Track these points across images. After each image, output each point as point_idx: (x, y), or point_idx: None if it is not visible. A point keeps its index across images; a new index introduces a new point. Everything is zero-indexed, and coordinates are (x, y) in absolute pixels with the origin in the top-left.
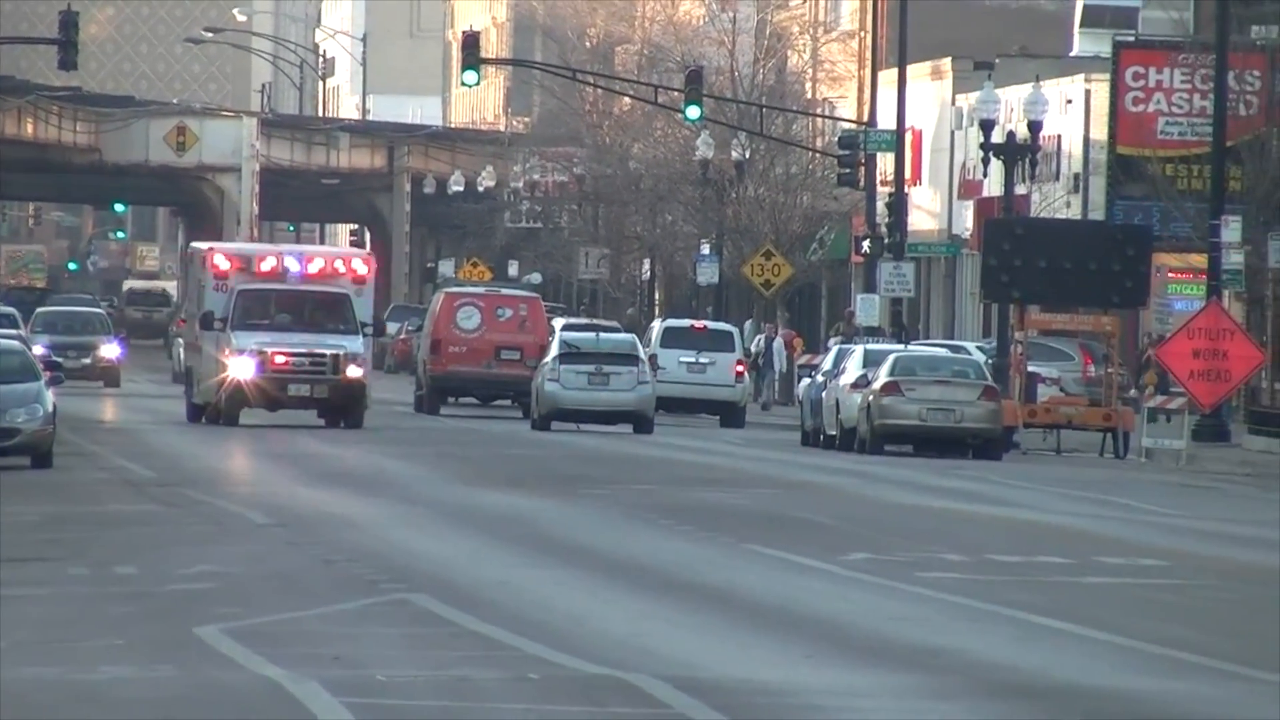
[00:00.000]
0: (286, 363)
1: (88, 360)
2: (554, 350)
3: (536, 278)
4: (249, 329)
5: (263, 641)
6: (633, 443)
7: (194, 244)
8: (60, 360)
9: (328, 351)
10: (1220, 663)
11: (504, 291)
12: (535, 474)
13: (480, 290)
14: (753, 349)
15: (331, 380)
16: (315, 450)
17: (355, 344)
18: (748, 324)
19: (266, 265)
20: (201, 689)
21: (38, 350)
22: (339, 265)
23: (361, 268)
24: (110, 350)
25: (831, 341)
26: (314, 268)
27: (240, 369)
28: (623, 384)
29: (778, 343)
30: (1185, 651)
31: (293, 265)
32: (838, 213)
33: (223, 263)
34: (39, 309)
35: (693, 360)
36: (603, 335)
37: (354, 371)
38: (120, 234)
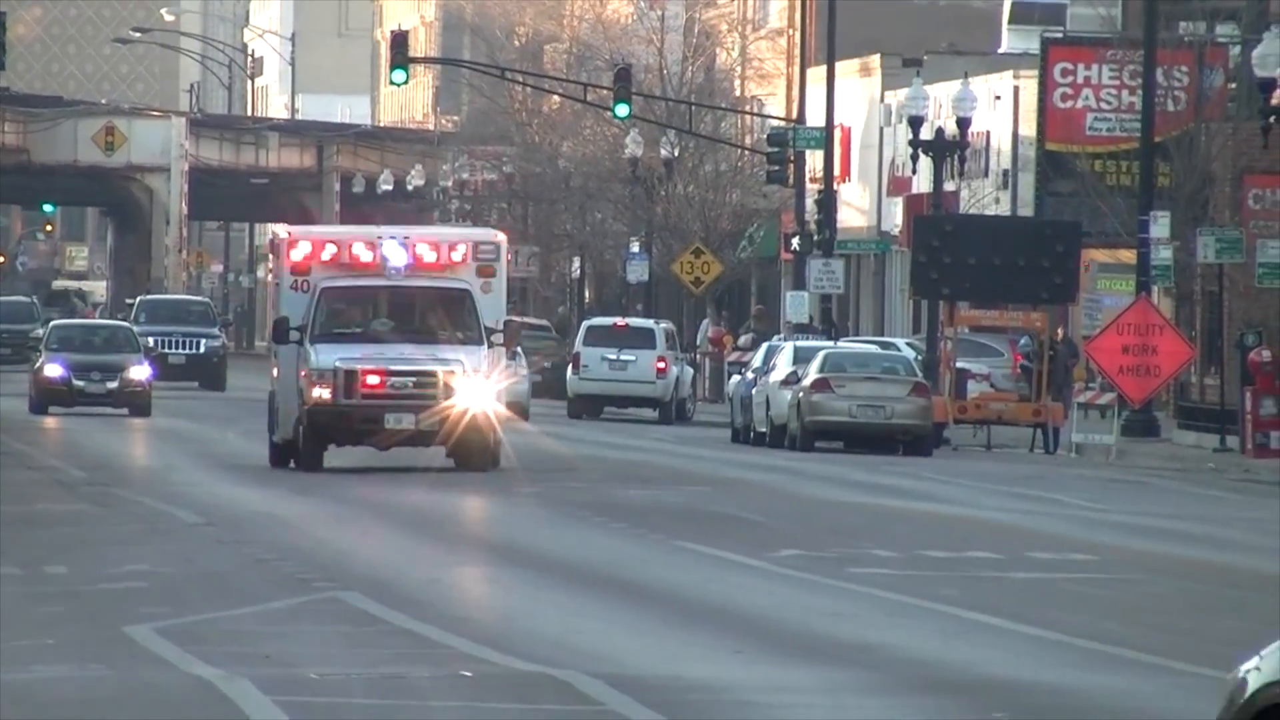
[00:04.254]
0: (382, 384)
1: (114, 384)
2: None
3: None
4: (334, 340)
5: (194, 640)
6: (562, 440)
7: (274, 228)
8: (81, 384)
9: (439, 368)
10: (1149, 656)
11: None
12: (465, 471)
13: None
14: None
15: (443, 408)
16: (245, 449)
17: (477, 357)
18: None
19: (360, 254)
20: (133, 689)
21: (57, 372)
22: (459, 250)
23: (489, 254)
24: (140, 371)
25: (743, 339)
26: (424, 254)
27: (321, 394)
28: None
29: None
30: (1114, 646)
31: (395, 254)
32: (767, 210)
33: (302, 253)
34: (53, 323)
35: (614, 358)
36: None
37: (472, 394)
38: (40, 236)
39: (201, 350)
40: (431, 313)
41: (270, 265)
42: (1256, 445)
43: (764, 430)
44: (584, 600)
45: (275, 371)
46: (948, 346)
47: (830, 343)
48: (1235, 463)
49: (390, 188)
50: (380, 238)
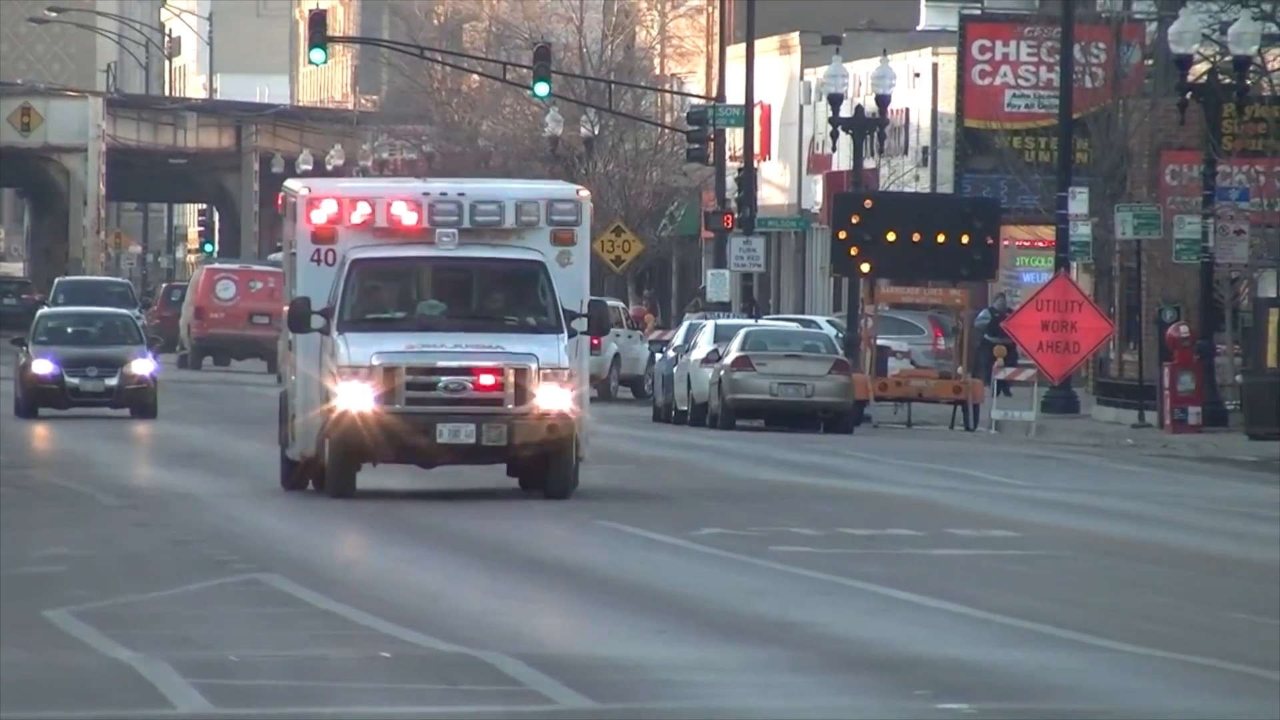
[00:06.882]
0: (432, 385)
1: (113, 380)
2: None
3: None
4: (370, 328)
5: (113, 624)
6: None
7: (288, 184)
8: (76, 382)
9: (506, 365)
10: (1069, 633)
11: (255, 267)
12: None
13: (235, 266)
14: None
15: (512, 416)
16: (165, 432)
17: (554, 350)
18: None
19: (401, 216)
20: (51, 672)
21: (47, 369)
22: (528, 212)
23: (568, 214)
24: (143, 366)
25: (690, 318)
26: (484, 217)
27: (354, 398)
28: None
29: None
30: (1034, 622)
31: (447, 215)
32: (687, 188)
33: (325, 215)
34: (41, 311)
35: None
36: None
37: (550, 398)
38: None
39: None
40: (495, 292)
41: (287, 232)
42: (1175, 420)
43: (685, 409)
44: (506, 581)
45: (291, 367)
46: (868, 324)
47: (751, 321)
48: (1154, 438)
49: (310, 167)
50: (427, 194)
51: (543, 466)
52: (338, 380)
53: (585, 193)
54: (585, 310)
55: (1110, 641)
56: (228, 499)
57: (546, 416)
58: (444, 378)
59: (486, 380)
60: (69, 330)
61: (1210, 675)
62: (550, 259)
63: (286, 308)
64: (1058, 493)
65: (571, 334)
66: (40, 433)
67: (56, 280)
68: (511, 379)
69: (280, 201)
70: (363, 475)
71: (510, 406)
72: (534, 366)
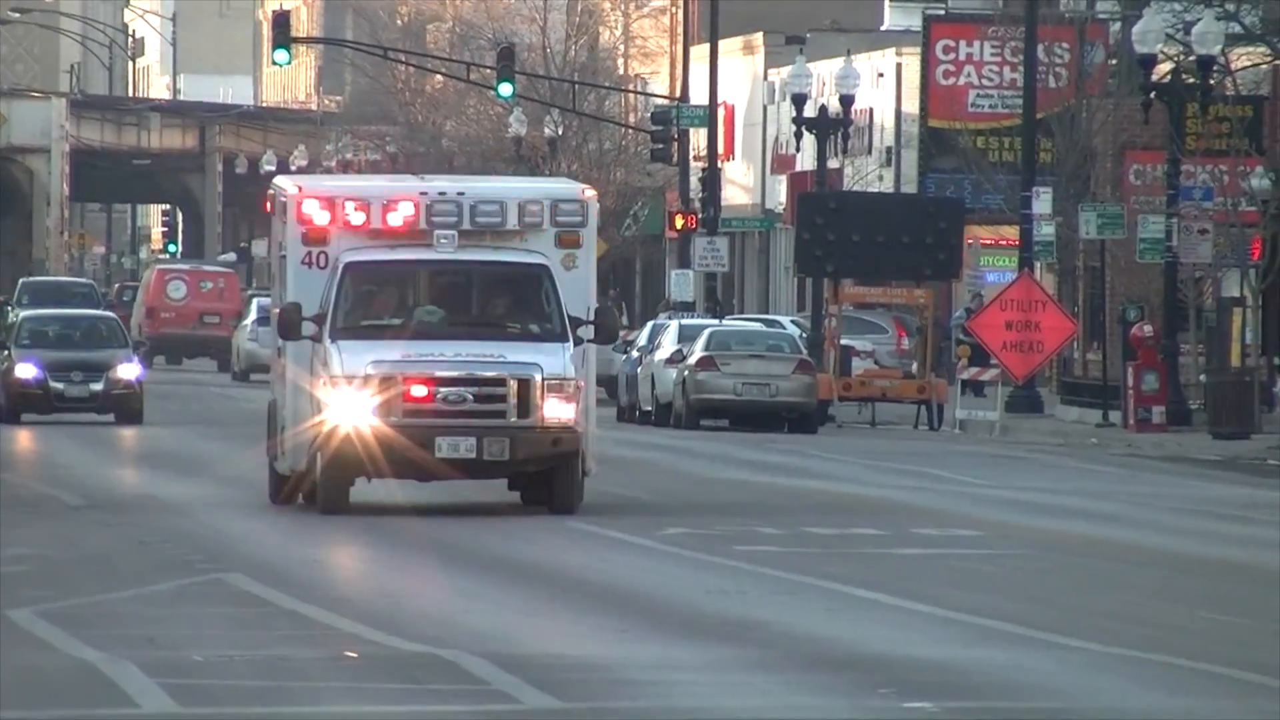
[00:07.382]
0: (430, 396)
1: (98, 385)
2: (252, 314)
3: (232, 256)
4: (364, 336)
5: (77, 624)
6: None
7: (277, 181)
8: (60, 386)
9: (509, 376)
10: (1034, 631)
11: (205, 267)
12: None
13: (186, 266)
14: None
15: (515, 429)
16: (128, 433)
17: (559, 359)
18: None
19: (397, 217)
20: (15, 672)
21: (30, 373)
22: (531, 213)
23: (573, 215)
24: (129, 370)
25: (662, 318)
26: (485, 218)
27: (347, 410)
28: None
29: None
30: (998, 620)
31: (446, 216)
32: (651, 188)
33: (318, 214)
34: (24, 314)
35: None
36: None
37: (555, 410)
38: None
39: None
40: (496, 298)
41: (275, 231)
42: (1138, 420)
43: (649, 409)
44: (471, 580)
45: (280, 375)
46: (832, 324)
47: (715, 321)
48: (1118, 437)
49: (273, 168)
50: (425, 193)
51: (546, 482)
52: (330, 391)
53: (591, 192)
54: (592, 317)
55: (1075, 640)
56: (192, 500)
57: (551, 430)
58: (443, 389)
59: (488, 391)
60: (52, 333)
61: (1175, 674)
62: (555, 262)
63: (276, 312)
64: (1022, 492)
65: (577, 342)
66: (21, 437)
67: (21, 281)
68: (514, 390)
69: (269, 201)
70: (354, 487)
71: (513, 419)
72: (538, 377)
